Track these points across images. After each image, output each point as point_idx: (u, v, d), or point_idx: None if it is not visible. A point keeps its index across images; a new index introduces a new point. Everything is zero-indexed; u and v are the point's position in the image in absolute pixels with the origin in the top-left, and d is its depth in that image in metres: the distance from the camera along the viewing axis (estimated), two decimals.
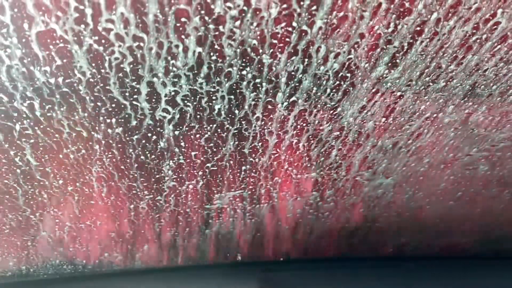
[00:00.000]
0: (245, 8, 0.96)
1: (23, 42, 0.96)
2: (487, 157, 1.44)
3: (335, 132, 1.35)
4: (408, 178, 1.59)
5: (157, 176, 1.44)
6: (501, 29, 1.01)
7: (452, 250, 2.06)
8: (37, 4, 0.89)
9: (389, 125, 1.32)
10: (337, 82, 1.18)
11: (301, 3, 0.95)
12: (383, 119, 1.30)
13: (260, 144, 1.38)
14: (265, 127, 1.32)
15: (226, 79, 1.15)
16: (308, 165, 1.49)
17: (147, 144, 1.32)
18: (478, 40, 1.05)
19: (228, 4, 0.95)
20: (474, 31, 1.03)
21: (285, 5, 0.96)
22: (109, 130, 1.24)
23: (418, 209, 1.79)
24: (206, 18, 0.97)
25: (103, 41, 1.00)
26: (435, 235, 1.98)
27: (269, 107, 1.25)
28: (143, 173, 1.42)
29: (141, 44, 1.02)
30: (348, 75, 1.16)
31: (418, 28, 1.02)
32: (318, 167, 1.51)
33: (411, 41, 1.05)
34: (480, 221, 1.83)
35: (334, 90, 1.20)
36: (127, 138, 1.28)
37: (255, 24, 1.00)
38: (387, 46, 1.07)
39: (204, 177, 1.49)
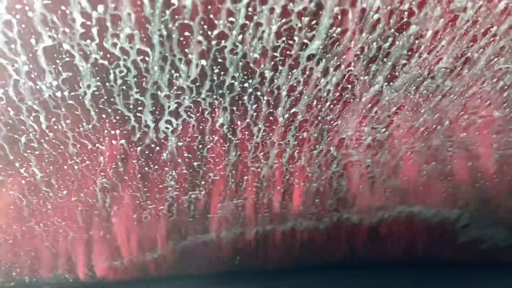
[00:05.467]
0: (247, 22, 0.98)
1: (30, 57, 0.98)
2: None
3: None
4: None
5: (160, 186, 1.45)
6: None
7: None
8: (44, 20, 0.91)
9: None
10: (337, 94, 1.20)
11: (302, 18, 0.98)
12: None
13: (262, 154, 1.40)
14: (267, 138, 1.34)
15: (228, 91, 1.17)
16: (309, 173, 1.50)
17: (150, 155, 1.33)
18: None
19: (231, 19, 0.97)
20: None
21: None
22: (113, 142, 1.26)
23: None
24: (209, 32, 0.99)
25: (108, 55, 1.02)
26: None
27: (271, 118, 1.27)
28: (146, 183, 1.43)
29: (146, 58, 1.04)
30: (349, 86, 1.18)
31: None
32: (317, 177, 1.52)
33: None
34: None
35: (334, 102, 1.23)
36: (131, 149, 1.30)
37: (256, 38, 1.02)
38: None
39: (206, 186, 1.50)
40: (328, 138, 1.36)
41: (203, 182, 1.48)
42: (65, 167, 1.31)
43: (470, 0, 0.94)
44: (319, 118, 1.28)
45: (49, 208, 1.45)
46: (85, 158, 1.30)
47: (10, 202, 1.38)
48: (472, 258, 1.97)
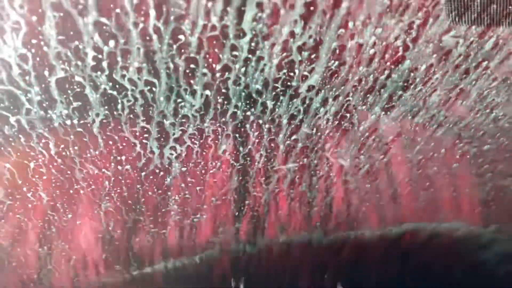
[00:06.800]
0: (250, 56, 1.03)
1: (43, 88, 1.03)
2: None
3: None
4: None
5: (163, 210, 1.48)
6: None
7: None
8: (58, 54, 0.96)
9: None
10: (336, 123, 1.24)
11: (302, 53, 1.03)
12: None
13: (263, 179, 1.43)
14: (268, 164, 1.38)
15: (231, 119, 1.21)
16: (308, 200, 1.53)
17: (154, 179, 1.37)
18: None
19: (234, 53, 1.02)
20: None
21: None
22: (119, 167, 1.30)
23: None
24: (214, 65, 1.04)
25: (117, 86, 1.07)
26: None
27: (272, 145, 1.31)
28: (150, 207, 1.46)
29: (153, 88, 1.09)
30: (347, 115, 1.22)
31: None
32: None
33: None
34: None
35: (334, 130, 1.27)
36: (136, 175, 1.34)
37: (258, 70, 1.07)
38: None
39: (208, 211, 1.53)
40: (328, 164, 1.40)
41: (205, 206, 1.51)
42: (71, 191, 1.34)
43: (462, 37, 1.00)
44: (319, 145, 1.32)
45: (53, 231, 1.48)
46: (91, 183, 1.33)
47: (16, 225, 1.40)
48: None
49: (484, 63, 1.06)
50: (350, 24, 0.98)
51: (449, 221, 1.65)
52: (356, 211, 1.63)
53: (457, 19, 0.95)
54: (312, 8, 0.94)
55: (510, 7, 0.93)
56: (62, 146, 1.19)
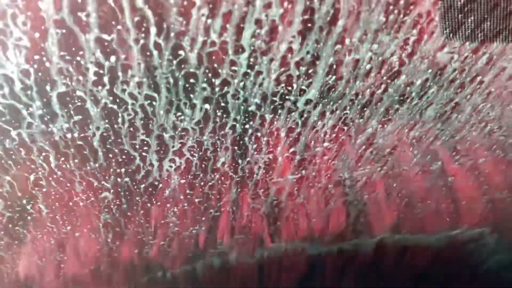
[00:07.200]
0: (248, 71, 1.05)
1: (44, 102, 1.04)
2: None
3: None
4: None
5: (162, 221, 1.49)
6: None
7: None
8: (60, 69, 0.98)
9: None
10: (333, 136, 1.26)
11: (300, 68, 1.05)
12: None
13: (262, 191, 1.44)
14: (267, 175, 1.39)
15: (230, 132, 1.23)
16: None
17: (153, 191, 1.38)
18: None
19: (233, 68, 1.04)
20: None
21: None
22: (118, 180, 1.31)
23: None
24: (213, 80, 1.06)
25: (117, 100, 1.08)
26: None
27: (270, 157, 1.33)
28: (148, 219, 1.47)
29: (153, 102, 1.10)
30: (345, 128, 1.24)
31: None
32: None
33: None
34: None
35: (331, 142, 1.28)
36: (135, 187, 1.35)
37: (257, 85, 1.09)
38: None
39: (207, 222, 1.53)
40: (326, 176, 1.41)
41: (203, 218, 1.52)
42: (71, 203, 1.35)
43: (456, 53, 1.02)
44: (317, 157, 1.33)
45: (52, 243, 1.48)
46: (90, 195, 1.34)
47: (15, 237, 1.41)
48: None
49: (478, 78, 1.08)
50: (347, 41, 1.00)
51: (436, 234, 1.67)
52: (355, 221, 1.64)
53: (451, 36, 0.97)
54: (309, 24, 0.96)
55: (502, 24, 0.95)
56: (63, 159, 1.20)
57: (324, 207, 1.53)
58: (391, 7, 0.95)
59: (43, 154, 1.18)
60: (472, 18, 0.96)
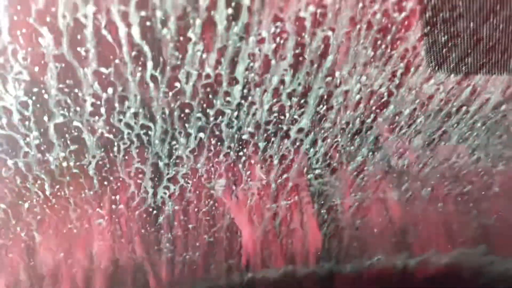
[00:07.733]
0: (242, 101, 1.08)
1: (41, 132, 1.06)
2: None
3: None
4: None
5: (156, 248, 1.49)
6: None
7: None
8: (58, 101, 1.00)
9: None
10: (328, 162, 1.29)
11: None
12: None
13: (255, 216, 1.46)
14: (260, 201, 1.40)
15: (224, 159, 1.25)
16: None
17: (148, 218, 1.38)
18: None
19: (227, 99, 1.07)
20: None
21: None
22: (113, 206, 1.32)
23: None
24: (207, 110, 1.09)
25: (113, 129, 1.10)
26: None
27: (263, 183, 1.35)
28: (143, 245, 1.47)
29: (148, 131, 1.12)
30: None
31: None
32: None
33: None
34: None
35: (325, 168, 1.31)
36: (129, 213, 1.35)
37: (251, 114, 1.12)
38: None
39: (201, 247, 1.54)
40: (320, 202, 1.43)
41: (197, 244, 1.52)
42: (64, 231, 1.35)
43: (442, 85, 1.06)
44: (309, 183, 1.36)
45: (44, 270, 1.47)
46: (84, 222, 1.35)
47: (8, 264, 1.40)
48: None
49: (464, 108, 1.12)
50: (337, 73, 1.04)
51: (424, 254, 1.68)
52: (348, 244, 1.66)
53: (436, 69, 1.02)
54: (300, 58, 1.00)
55: (485, 58, 1.00)
56: (58, 186, 1.21)
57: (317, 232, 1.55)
58: (379, 42, 0.99)
59: (38, 182, 1.19)
60: (456, 52, 1.00)
